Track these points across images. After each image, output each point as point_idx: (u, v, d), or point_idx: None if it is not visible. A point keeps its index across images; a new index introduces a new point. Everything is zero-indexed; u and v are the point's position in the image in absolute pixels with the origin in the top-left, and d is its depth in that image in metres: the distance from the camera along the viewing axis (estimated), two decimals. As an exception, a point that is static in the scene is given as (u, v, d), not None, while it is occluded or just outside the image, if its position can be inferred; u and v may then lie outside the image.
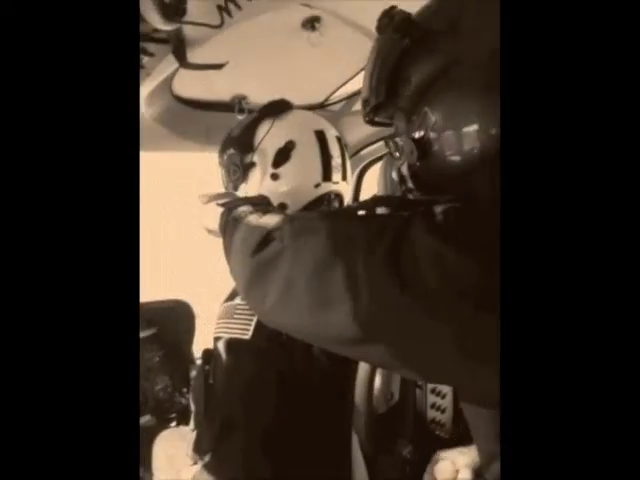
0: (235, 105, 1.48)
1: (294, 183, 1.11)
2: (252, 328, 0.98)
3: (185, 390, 1.92)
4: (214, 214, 0.93)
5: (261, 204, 0.91)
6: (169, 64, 1.15)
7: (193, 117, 1.54)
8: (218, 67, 1.12)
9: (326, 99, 1.68)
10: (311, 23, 1.16)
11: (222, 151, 1.18)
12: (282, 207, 1.11)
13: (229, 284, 1.05)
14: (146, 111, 1.42)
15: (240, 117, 1.46)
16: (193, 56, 1.13)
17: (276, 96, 1.20)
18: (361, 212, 0.74)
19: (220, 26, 0.91)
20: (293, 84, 1.51)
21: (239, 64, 1.25)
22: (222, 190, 1.21)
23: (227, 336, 1.00)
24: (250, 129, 1.13)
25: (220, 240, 0.88)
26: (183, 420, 1.85)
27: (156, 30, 0.94)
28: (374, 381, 0.99)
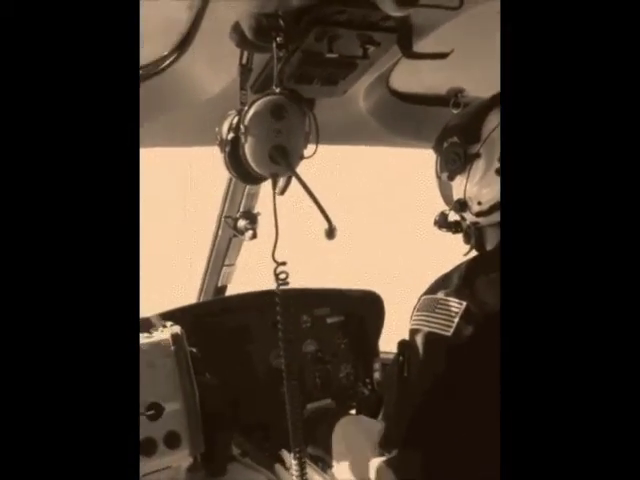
0: (451, 98, 1.44)
1: None
2: (454, 325, 0.94)
3: (368, 381, 1.95)
4: None
5: None
6: (393, 55, 1.15)
7: (405, 111, 1.54)
8: (443, 56, 1.09)
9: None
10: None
11: (442, 139, 1.15)
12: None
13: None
14: (363, 104, 1.46)
15: (455, 111, 1.42)
16: (418, 46, 1.11)
17: (498, 90, 1.13)
18: None
19: (458, 8, 0.87)
20: None
21: (464, 53, 1.20)
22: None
23: (426, 329, 0.98)
24: (477, 118, 1.08)
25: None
26: (363, 409, 1.88)
27: (386, 18, 0.95)
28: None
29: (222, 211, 1.89)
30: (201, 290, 2.07)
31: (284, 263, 0.89)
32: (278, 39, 0.84)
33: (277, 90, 0.88)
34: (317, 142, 0.95)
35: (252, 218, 1.59)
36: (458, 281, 0.99)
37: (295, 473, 0.93)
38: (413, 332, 1.01)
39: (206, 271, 2.03)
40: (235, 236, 1.91)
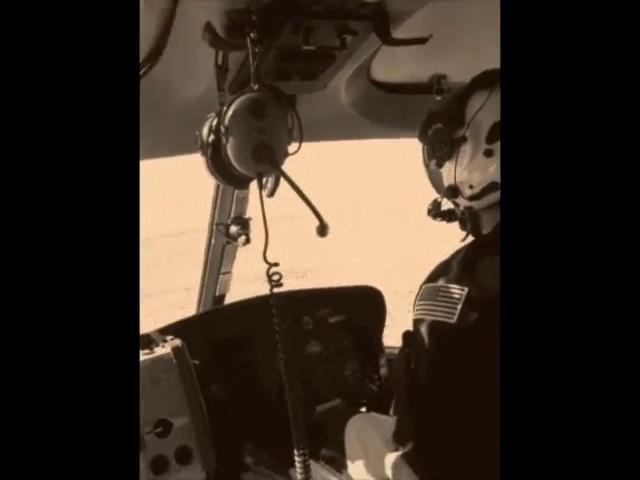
0: (434, 85, 1.43)
1: None
2: (458, 312, 0.92)
3: (375, 377, 1.93)
4: None
5: None
6: (371, 44, 1.14)
7: (388, 101, 1.52)
8: (422, 41, 1.07)
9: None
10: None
11: (425, 127, 1.13)
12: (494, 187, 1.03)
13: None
14: (344, 97, 1.44)
15: (438, 98, 1.40)
16: (397, 32, 1.10)
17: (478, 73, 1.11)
18: None
19: None
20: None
21: (443, 38, 1.19)
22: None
23: (430, 318, 0.96)
24: (460, 102, 1.07)
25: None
26: (373, 406, 1.86)
27: (361, 5, 0.93)
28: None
29: (213, 219, 1.87)
30: (200, 301, 2.05)
31: (277, 264, 0.87)
32: (252, 35, 0.82)
33: (255, 87, 0.86)
34: (301, 139, 0.93)
35: (244, 223, 1.56)
36: (458, 267, 0.98)
37: (299, 472, 0.91)
38: (417, 322, 0.99)
39: (203, 281, 2.01)
40: (228, 243, 1.89)
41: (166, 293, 7.65)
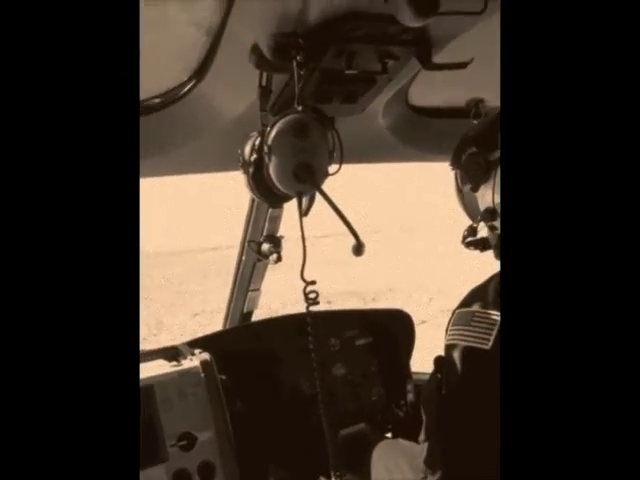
0: (471, 109, 1.43)
1: None
2: (492, 338, 0.91)
3: (402, 402, 1.90)
4: None
5: None
6: (411, 68, 1.15)
7: (425, 125, 1.53)
8: (462, 66, 1.08)
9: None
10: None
11: (459, 152, 1.13)
12: None
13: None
14: (382, 121, 1.45)
15: (475, 122, 1.40)
16: (437, 57, 1.11)
17: None
18: None
19: (481, 13, 0.86)
20: None
21: (482, 62, 1.19)
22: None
23: (463, 344, 0.95)
24: (493, 125, 1.07)
25: None
26: (399, 432, 1.83)
27: (404, 30, 0.94)
28: None
29: (245, 236, 1.89)
30: (227, 316, 2.06)
31: (314, 282, 0.88)
32: (298, 58, 0.84)
33: (299, 109, 0.87)
34: (341, 159, 0.94)
35: (276, 241, 1.58)
36: (493, 292, 0.96)
37: None
38: (449, 347, 0.98)
39: (231, 297, 2.02)
40: (259, 260, 1.91)
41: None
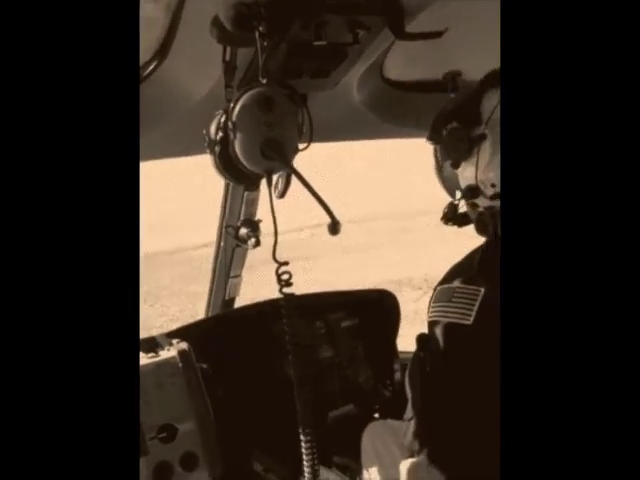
0: (448, 83, 1.39)
1: None
2: (474, 313, 0.89)
3: (389, 382, 1.89)
4: None
5: None
6: (384, 40, 1.11)
7: (402, 100, 1.49)
8: (437, 35, 1.04)
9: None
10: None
11: (439, 127, 1.10)
12: None
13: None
14: (356, 96, 1.41)
15: (453, 96, 1.37)
16: (410, 28, 1.07)
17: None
18: None
19: None
20: None
21: (458, 33, 1.16)
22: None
23: (445, 320, 0.93)
24: (475, 99, 1.04)
25: None
26: (387, 412, 1.82)
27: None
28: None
29: (222, 221, 1.85)
30: (208, 304, 2.03)
31: (286, 263, 0.85)
32: (260, 28, 0.80)
33: (264, 82, 0.83)
34: (311, 134, 0.90)
35: (254, 225, 1.54)
36: (474, 268, 0.95)
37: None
38: (432, 324, 0.97)
39: (212, 284, 1.99)
40: (238, 246, 1.87)
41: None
